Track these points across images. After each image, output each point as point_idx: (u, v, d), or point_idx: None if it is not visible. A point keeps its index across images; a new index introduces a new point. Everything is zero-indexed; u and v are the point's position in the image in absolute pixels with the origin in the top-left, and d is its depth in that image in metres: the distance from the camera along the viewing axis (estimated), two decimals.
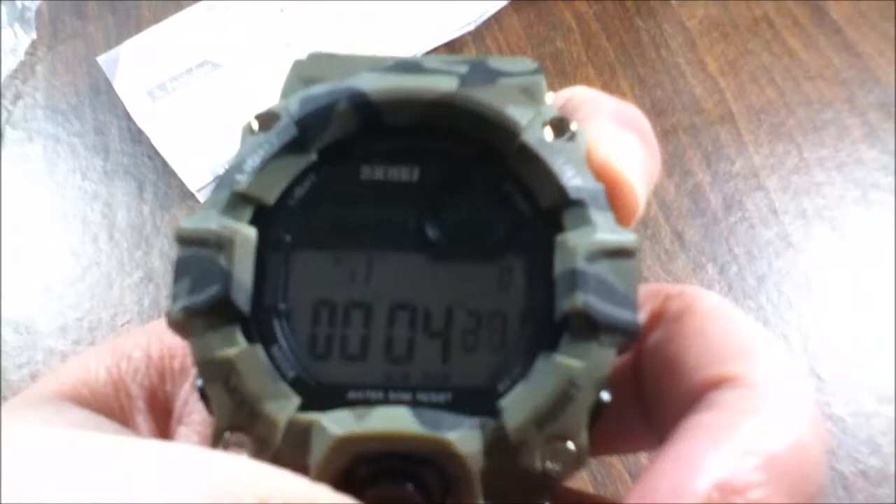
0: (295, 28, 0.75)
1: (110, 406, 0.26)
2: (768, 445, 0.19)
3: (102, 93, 0.73)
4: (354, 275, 0.22)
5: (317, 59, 0.25)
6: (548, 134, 0.23)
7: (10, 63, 0.74)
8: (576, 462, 0.20)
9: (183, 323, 0.21)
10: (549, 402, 0.20)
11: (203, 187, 0.67)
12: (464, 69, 0.24)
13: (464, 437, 0.20)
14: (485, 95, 0.23)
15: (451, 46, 0.73)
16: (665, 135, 0.68)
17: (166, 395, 0.26)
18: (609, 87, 0.70)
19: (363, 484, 0.20)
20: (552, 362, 0.21)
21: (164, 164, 0.69)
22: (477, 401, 0.21)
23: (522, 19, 0.74)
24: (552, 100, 0.24)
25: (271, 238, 0.22)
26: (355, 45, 0.71)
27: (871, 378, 0.58)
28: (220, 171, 0.49)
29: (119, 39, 0.75)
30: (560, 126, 0.23)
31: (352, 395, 0.21)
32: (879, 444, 0.55)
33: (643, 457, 0.54)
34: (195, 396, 0.25)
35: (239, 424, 0.21)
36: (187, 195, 0.67)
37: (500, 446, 0.20)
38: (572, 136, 0.23)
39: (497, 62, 0.24)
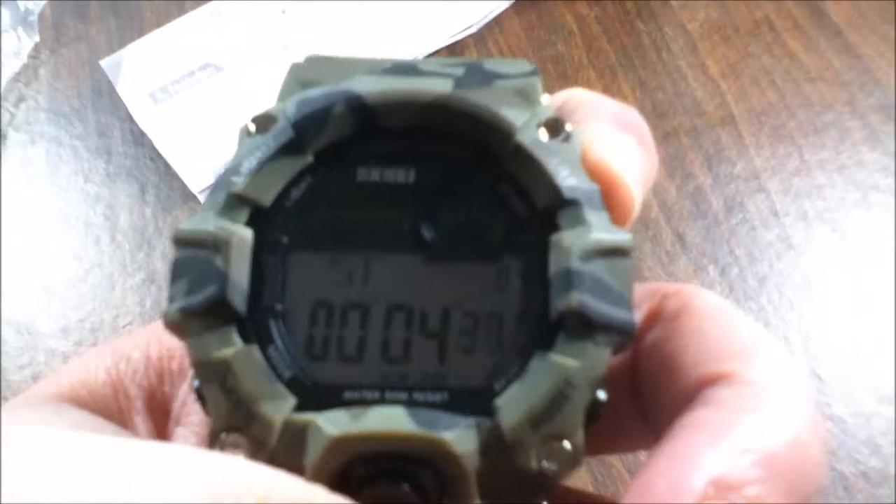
0: (296, 31, 0.75)
1: (109, 407, 0.26)
2: (765, 443, 0.19)
3: (105, 95, 0.73)
4: (351, 276, 0.22)
5: (314, 61, 0.25)
6: (543, 135, 0.23)
7: (13, 66, 0.74)
8: (572, 461, 0.20)
9: (180, 324, 0.21)
10: (544, 402, 0.20)
11: (205, 189, 0.67)
12: (459, 71, 0.24)
13: (459, 437, 0.20)
14: (480, 97, 0.23)
15: (452, 49, 0.73)
16: (666, 137, 0.68)
17: (164, 396, 0.26)
18: (610, 89, 0.70)
19: (359, 484, 0.20)
20: (548, 362, 0.21)
21: (167, 166, 0.69)
22: (473, 401, 0.21)
23: (523, 22, 0.75)
24: (548, 101, 0.24)
25: (268, 239, 0.22)
26: (356, 48, 0.71)
27: (872, 379, 0.58)
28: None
29: (122, 42, 0.75)
30: (555, 127, 0.23)
31: (348, 395, 0.21)
32: (880, 445, 0.55)
33: (643, 456, 0.54)
34: (193, 397, 0.25)
35: (235, 425, 0.21)
36: (189, 197, 0.68)
37: (495, 446, 0.20)
38: (567, 137, 0.23)
39: (493, 64, 0.24)
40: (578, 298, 0.21)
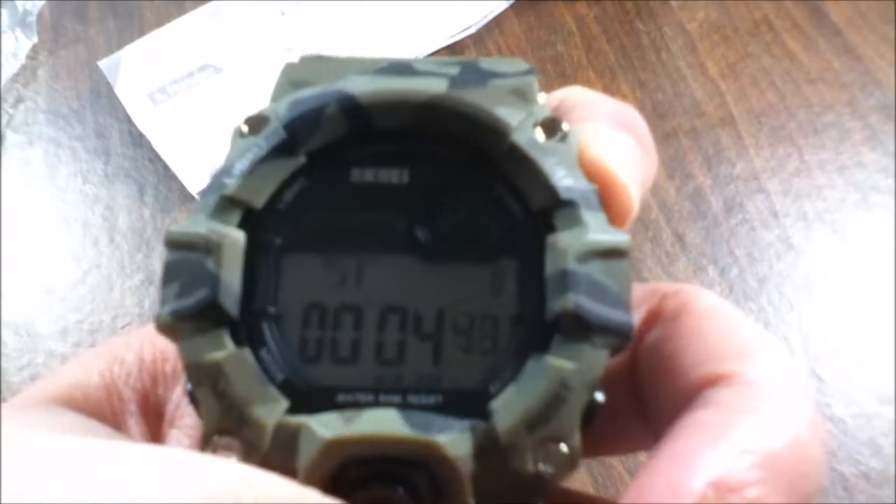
0: (296, 32, 0.75)
1: (102, 409, 0.26)
2: (765, 443, 0.19)
3: (103, 96, 0.73)
4: (345, 277, 0.22)
5: (308, 62, 0.25)
6: (539, 134, 0.23)
7: (12, 67, 0.74)
8: (569, 464, 0.20)
9: (171, 327, 0.21)
10: (540, 404, 0.20)
11: None
12: (455, 71, 0.24)
13: (453, 440, 0.20)
14: (475, 97, 0.23)
15: (452, 50, 0.73)
16: (666, 138, 0.68)
17: (158, 399, 0.26)
18: (610, 90, 0.70)
19: (353, 487, 0.20)
20: (543, 364, 0.20)
21: (165, 167, 0.69)
22: (468, 403, 0.21)
23: (523, 23, 0.74)
24: (545, 100, 0.24)
25: (260, 241, 0.22)
26: (356, 49, 0.71)
27: (872, 379, 0.58)
28: None
29: (120, 43, 0.75)
30: (551, 126, 0.23)
31: (341, 397, 0.21)
32: (880, 446, 0.55)
33: (643, 457, 0.53)
34: (186, 400, 0.25)
35: (227, 428, 0.21)
36: (188, 198, 0.67)
37: (490, 449, 0.20)
38: (564, 137, 0.23)
39: (489, 63, 0.24)
40: (575, 300, 0.21)
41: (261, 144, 0.23)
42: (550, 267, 0.21)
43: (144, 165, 0.70)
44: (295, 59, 0.25)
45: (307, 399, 0.21)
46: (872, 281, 0.61)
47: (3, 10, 0.73)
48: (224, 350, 0.21)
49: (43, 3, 0.76)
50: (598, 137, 0.23)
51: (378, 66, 0.24)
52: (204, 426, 0.21)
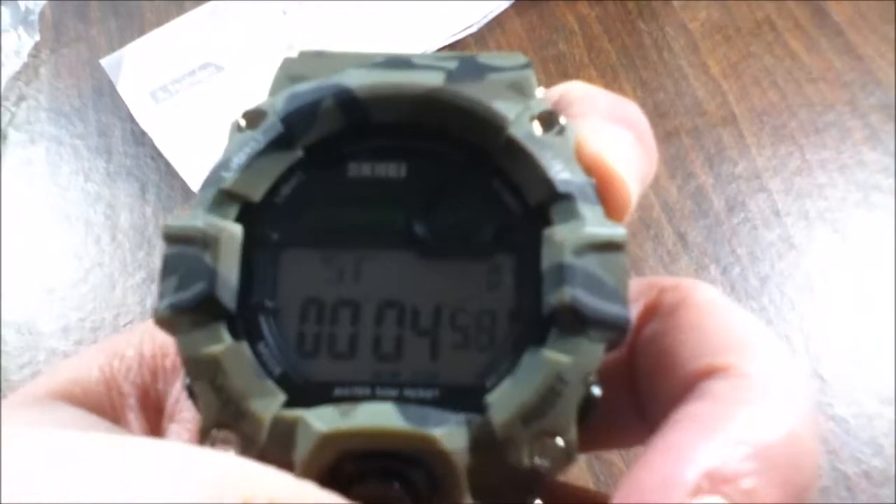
0: (297, 30, 0.75)
1: (102, 404, 0.26)
2: (760, 435, 0.19)
3: (105, 95, 0.73)
4: (342, 273, 0.22)
5: (307, 57, 0.25)
6: (536, 128, 0.22)
7: (14, 65, 0.74)
8: (565, 458, 0.20)
9: (169, 321, 0.21)
10: (536, 398, 0.20)
11: None
12: (452, 65, 0.24)
13: (449, 434, 0.20)
14: (472, 90, 0.23)
15: (453, 49, 0.73)
16: (667, 137, 0.68)
17: (158, 394, 0.26)
18: (611, 89, 0.69)
19: (349, 481, 0.20)
20: (539, 357, 0.20)
21: (167, 165, 0.69)
22: (465, 397, 0.21)
23: (524, 22, 0.74)
24: (543, 94, 0.24)
25: (258, 235, 0.22)
26: (357, 47, 0.71)
27: (874, 379, 0.57)
28: None
29: (122, 43, 0.75)
30: (549, 120, 0.23)
31: (338, 391, 0.21)
32: (882, 446, 0.55)
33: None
34: (186, 394, 0.25)
35: (225, 422, 0.21)
36: (190, 196, 0.68)
37: (486, 443, 0.20)
38: (561, 131, 0.22)
39: (487, 58, 0.24)
40: (571, 293, 0.20)
41: (258, 139, 0.23)
42: (547, 260, 0.21)
43: (146, 163, 0.70)
44: (291, 54, 0.25)
45: (304, 393, 0.21)
46: (873, 280, 0.61)
47: (5, 9, 0.74)
48: (221, 344, 0.21)
49: (44, 1, 0.77)
50: (596, 131, 0.23)
51: (375, 60, 0.24)
52: (202, 420, 0.21)
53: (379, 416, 0.20)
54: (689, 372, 0.21)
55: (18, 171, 0.71)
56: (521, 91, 0.23)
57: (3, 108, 0.73)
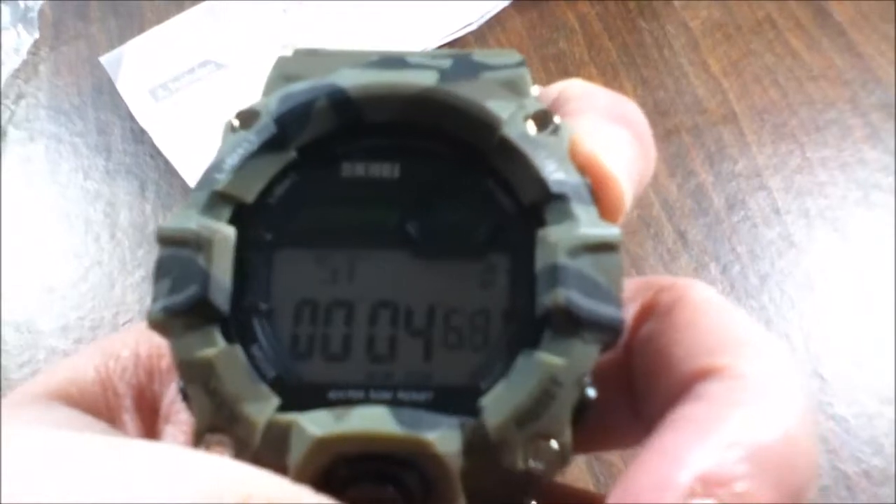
0: (297, 29, 0.75)
1: (98, 405, 0.26)
2: (755, 437, 0.19)
3: (105, 93, 0.73)
4: (336, 273, 0.22)
5: (301, 55, 0.25)
6: (530, 127, 0.22)
7: (13, 63, 0.74)
8: (559, 461, 0.20)
9: (163, 323, 0.21)
10: (530, 401, 0.20)
11: None
12: (447, 63, 0.24)
13: (443, 437, 0.20)
14: (465, 90, 0.23)
15: (453, 47, 0.73)
16: (668, 135, 0.68)
17: (154, 395, 0.26)
18: (612, 87, 0.69)
19: (343, 484, 0.20)
20: (533, 360, 0.20)
21: (167, 163, 0.69)
22: (458, 400, 0.21)
23: (525, 20, 0.74)
24: (538, 93, 0.24)
25: (251, 237, 0.22)
26: (357, 46, 0.71)
27: (874, 379, 0.57)
28: None
29: (121, 41, 0.75)
30: (543, 119, 0.22)
31: (332, 394, 0.21)
32: (882, 445, 0.55)
33: None
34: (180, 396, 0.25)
35: (219, 426, 0.20)
36: (189, 194, 0.67)
37: (480, 446, 0.20)
38: (555, 130, 0.22)
39: (481, 56, 0.24)
40: (565, 295, 0.20)
41: (251, 139, 0.23)
42: (541, 261, 0.21)
43: (146, 161, 0.70)
44: (289, 53, 0.25)
45: (298, 396, 0.21)
46: (874, 279, 0.61)
47: (4, 6, 0.74)
48: (215, 347, 0.21)
49: (43, 1, 0.76)
50: (592, 131, 0.23)
51: (370, 58, 0.24)
52: (196, 423, 0.21)
53: (373, 420, 0.20)
54: (685, 372, 0.20)
55: (18, 169, 0.70)
56: (515, 90, 0.23)
57: (2, 106, 0.73)
